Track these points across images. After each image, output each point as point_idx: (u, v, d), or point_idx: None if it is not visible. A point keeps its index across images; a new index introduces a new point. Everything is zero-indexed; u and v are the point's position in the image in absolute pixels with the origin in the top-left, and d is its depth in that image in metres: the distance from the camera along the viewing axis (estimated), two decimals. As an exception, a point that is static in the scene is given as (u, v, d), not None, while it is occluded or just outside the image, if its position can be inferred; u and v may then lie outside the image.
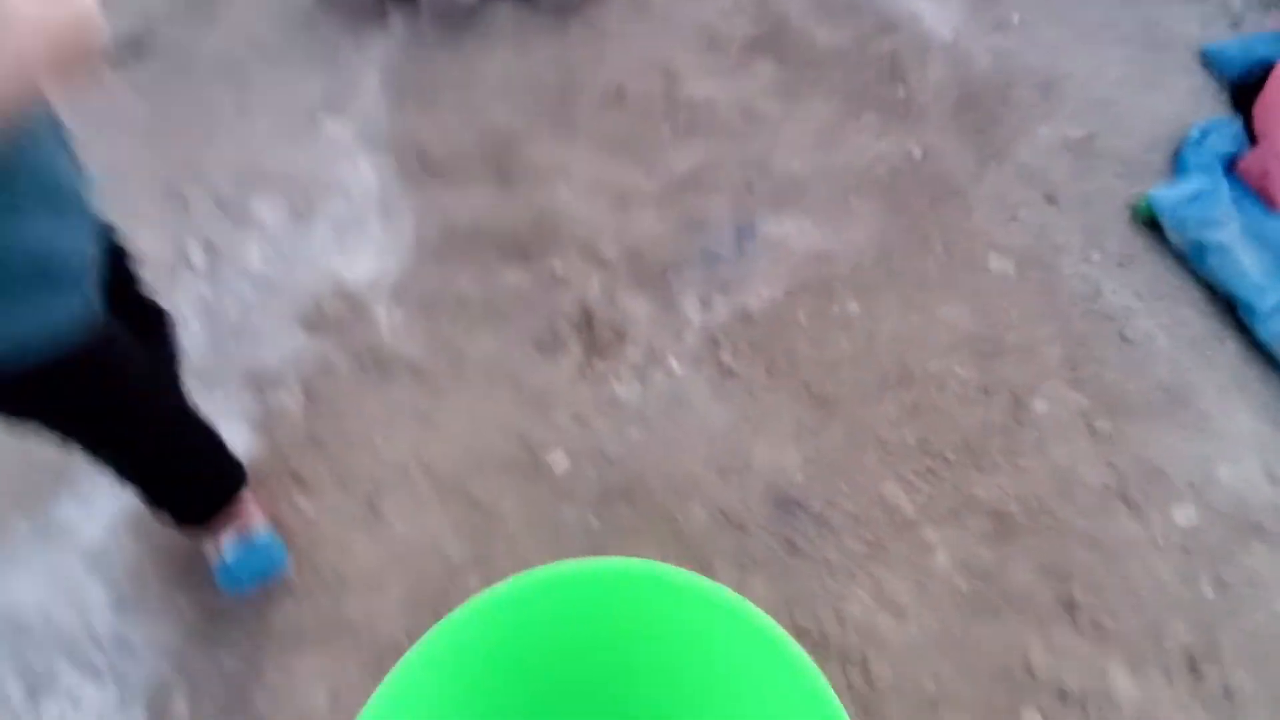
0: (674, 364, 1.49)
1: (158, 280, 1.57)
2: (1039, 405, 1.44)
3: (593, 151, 1.79)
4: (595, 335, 1.51)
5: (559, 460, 1.36)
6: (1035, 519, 1.32)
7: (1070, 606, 1.23)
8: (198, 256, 1.59)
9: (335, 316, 1.51)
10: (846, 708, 1.23)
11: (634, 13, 2.08)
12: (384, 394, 1.43)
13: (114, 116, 1.82)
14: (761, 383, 1.46)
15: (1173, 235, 1.65)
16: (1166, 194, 1.66)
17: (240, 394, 1.42)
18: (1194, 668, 1.17)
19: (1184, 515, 1.32)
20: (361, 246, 1.62)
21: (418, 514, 1.30)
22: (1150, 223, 1.69)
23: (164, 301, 1.18)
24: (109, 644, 1.18)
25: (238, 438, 1.36)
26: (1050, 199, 1.74)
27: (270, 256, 1.60)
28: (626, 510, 1.30)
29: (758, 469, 1.36)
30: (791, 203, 1.73)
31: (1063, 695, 1.15)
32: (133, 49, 1.94)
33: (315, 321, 1.51)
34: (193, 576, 1.21)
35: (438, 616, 1.29)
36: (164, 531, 1.26)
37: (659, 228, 1.67)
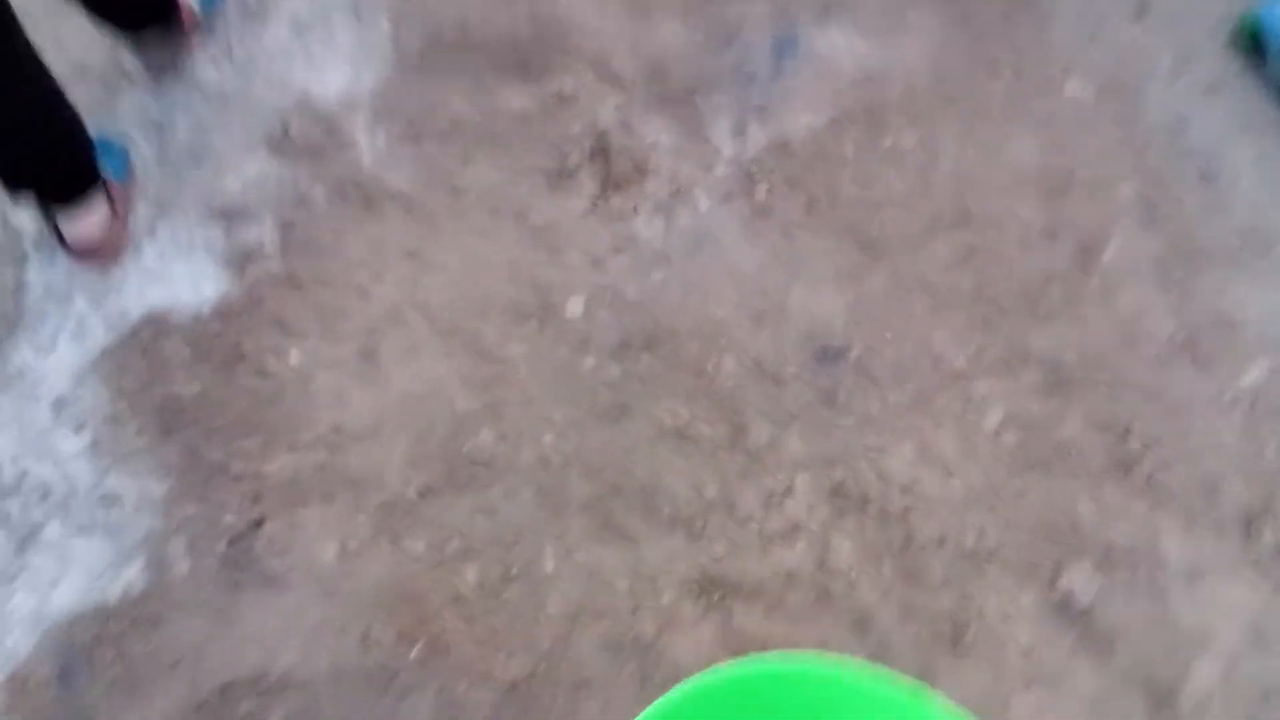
0: (702, 200, 1.31)
1: (93, 94, 1.34)
2: (1106, 250, 1.30)
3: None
4: (611, 166, 1.31)
5: (573, 304, 1.21)
6: (1093, 372, 1.22)
7: (1124, 463, 1.15)
8: (134, 64, 1.34)
9: (306, 139, 1.30)
10: (888, 565, 1.23)
11: None
12: (369, 229, 1.25)
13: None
14: (799, 222, 1.30)
15: (1276, 61, 1.42)
16: (1277, 11, 1.41)
17: (204, 228, 1.24)
18: (1249, 528, 1.11)
19: (1253, 372, 1.22)
20: (329, 55, 1.36)
21: (418, 361, 1.17)
22: (1250, 45, 1.45)
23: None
24: (93, 497, 1.09)
25: (207, 278, 1.20)
26: (1139, 13, 1.49)
27: (221, 63, 1.35)
28: (649, 360, 1.18)
29: (794, 316, 1.22)
30: (839, 9, 1.46)
31: (1110, 553, 1.10)
32: None
33: (283, 145, 1.29)
34: (175, 424, 1.10)
35: (449, 467, 1.22)
36: (137, 377, 1.13)
37: (684, 40, 1.42)
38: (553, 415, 1.14)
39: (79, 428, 1.10)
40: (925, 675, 1.04)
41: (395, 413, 1.13)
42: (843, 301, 1.24)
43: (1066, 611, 1.09)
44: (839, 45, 1.44)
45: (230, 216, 1.25)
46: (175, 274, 1.21)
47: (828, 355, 1.20)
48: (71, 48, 1.32)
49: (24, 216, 1.23)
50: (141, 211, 1.24)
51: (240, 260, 1.22)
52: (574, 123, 1.35)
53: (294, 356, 1.16)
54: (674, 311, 1.22)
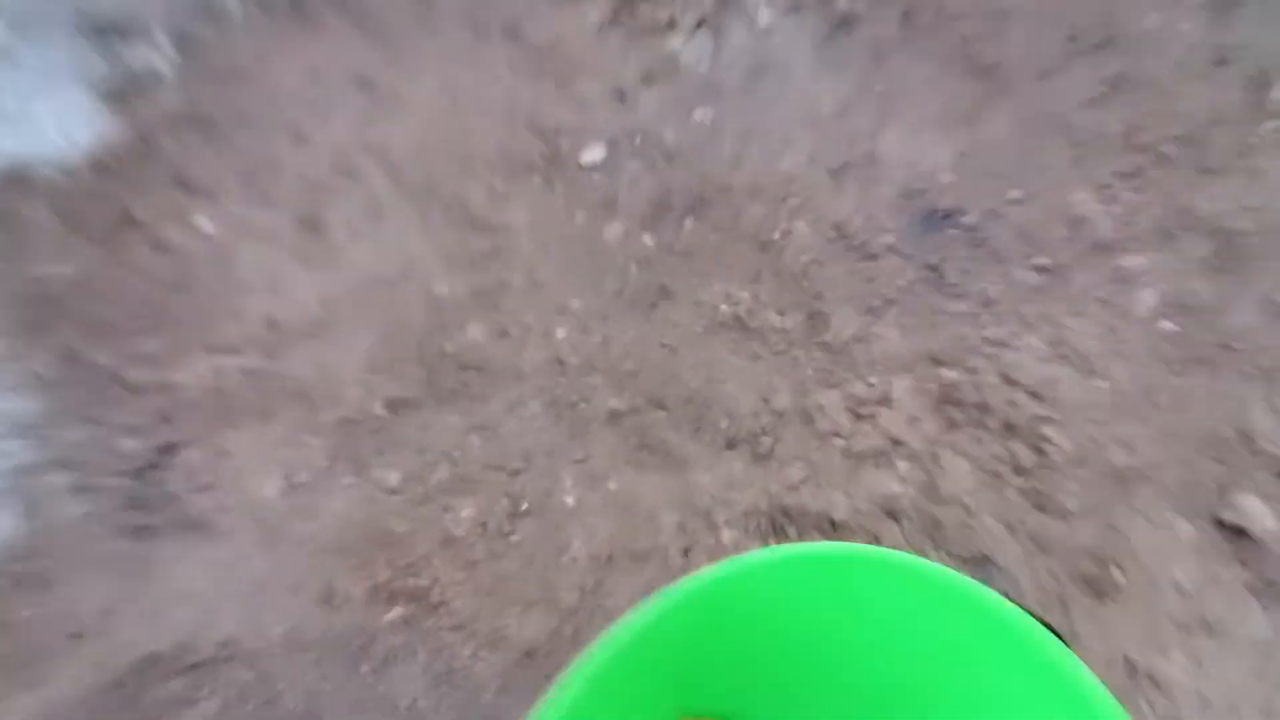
0: (761, 10, 0.96)
1: None
2: (1293, 81, 0.98)
3: None
4: (634, -36, 0.96)
5: (590, 152, 0.90)
6: (1274, 241, 0.93)
7: (1312, 357, 0.89)
8: None
9: (208, -80, 0.93)
10: (1013, 489, 0.96)
11: None
12: (306, 49, 0.90)
13: None
14: (893, 39, 0.96)
15: None
16: None
17: (76, 49, 0.89)
18: None
19: None
20: None
21: (379, 231, 0.86)
22: None
23: None
24: None
25: (80, 117, 0.86)
26: None
27: None
28: (695, 227, 0.88)
29: (888, 167, 0.91)
30: None
31: (1296, 470, 0.85)
32: None
33: (176, -72, 0.92)
34: (45, 319, 0.80)
35: (428, 373, 0.95)
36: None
37: None
38: (567, 302, 0.84)
39: (-92, 323, 0.80)
40: (1061, 623, 0.82)
41: (351, 301, 0.83)
42: (953, 148, 0.93)
43: (1235, 544, 0.85)
44: None
45: (110, 32, 0.90)
46: (38, 113, 0.87)
47: (933, 220, 0.90)
48: None
49: None
50: (-20, 25, 0.89)
51: (126, 92, 0.88)
52: (582, -98, 0.98)
53: (205, 224, 0.84)
54: (727, 163, 0.90)
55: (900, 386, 0.85)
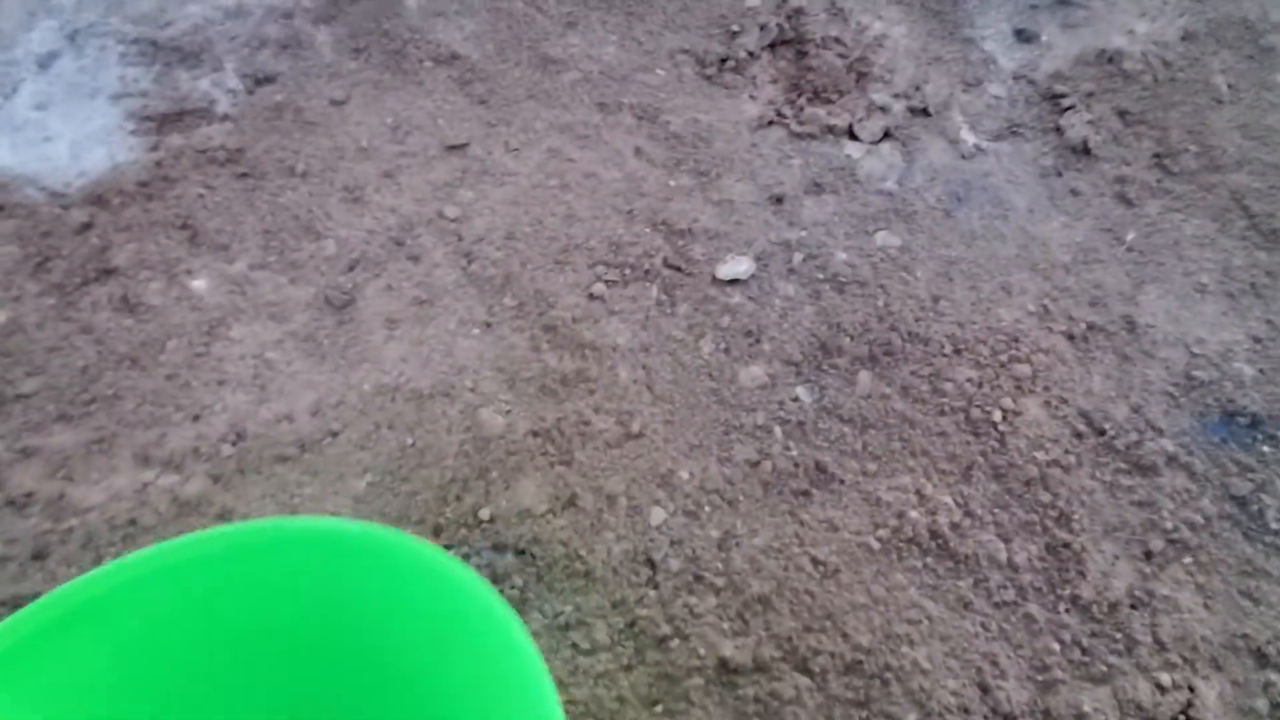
0: (965, 128, 0.75)
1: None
2: None
3: None
4: (809, 63, 0.78)
5: (733, 265, 0.65)
6: None
7: None
8: None
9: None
10: None
11: None
12: (394, 103, 0.72)
13: None
14: (1146, 184, 0.72)
15: None
16: None
17: (126, 67, 0.73)
18: None
19: None
20: None
21: (426, 327, 0.61)
22: None
23: None
24: None
25: (99, 140, 0.68)
26: None
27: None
28: (873, 385, 0.60)
29: (1155, 342, 0.64)
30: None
31: None
32: None
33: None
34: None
35: (444, 544, 0.63)
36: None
37: (929, -95, 0.91)
38: (674, 468, 0.56)
39: None
40: None
41: (360, 417, 0.57)
42: (1244, 330, 0.65)
43: None
44: (1182, -61, 0.90)
45: (174, 56, 0.75)
46: (53, 127, 0.70)
47: (1234, 427, 0.60)
48: None
49: None
50: (43, 31, 0.75)
51: (167, 122, 0.71)
52: (749, -7, 0.83)
53: (199, 286, 0.62)
54: (922, 304, 0.64)
55: (1207, 692, 0.51)
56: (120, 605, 0.39)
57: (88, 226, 0.63)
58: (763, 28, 0.80)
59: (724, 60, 0.78)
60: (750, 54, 0.79)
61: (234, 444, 0.54)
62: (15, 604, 0.49)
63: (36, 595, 0.49)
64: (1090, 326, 0.64)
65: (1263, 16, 0.84)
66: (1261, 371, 0.62)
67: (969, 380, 0.60)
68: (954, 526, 0.54)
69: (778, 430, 0.58)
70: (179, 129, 0.71)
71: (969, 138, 0.74)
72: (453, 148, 0.71)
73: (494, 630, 0.36)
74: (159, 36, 0.76)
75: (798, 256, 0.66)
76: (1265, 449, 0.59)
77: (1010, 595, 0.52)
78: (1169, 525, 0.55)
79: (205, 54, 0.75)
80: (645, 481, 0.55)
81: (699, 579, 0.52)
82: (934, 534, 0.54)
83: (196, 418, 0.55)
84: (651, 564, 0.52)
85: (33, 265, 0.61)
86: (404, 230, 0.66)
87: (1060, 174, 0.73)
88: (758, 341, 0.62)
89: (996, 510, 0.55)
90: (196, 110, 0.72)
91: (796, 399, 0.59)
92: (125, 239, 0.63)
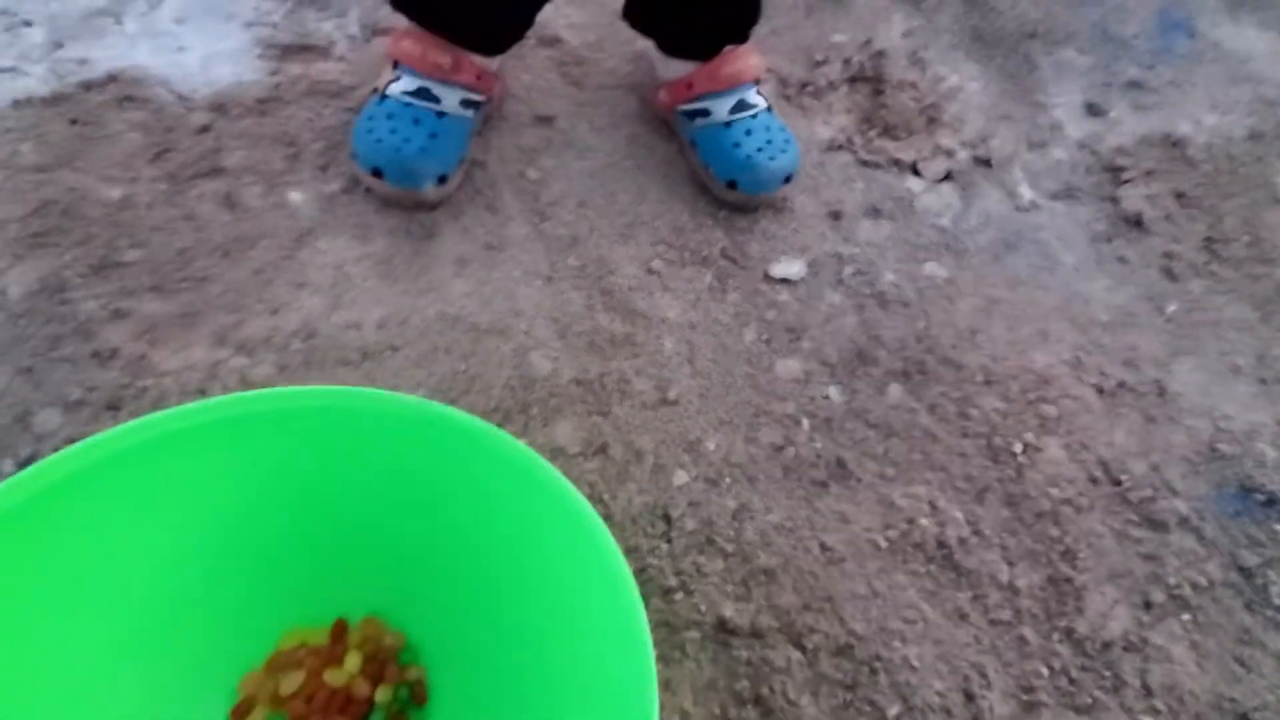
0: (1024, 184, 0.79)
1: None
2: None
3: None
4: (884, 101, 0.82)
5: (787, 266, 0.68)
6: None
7: None
8: None
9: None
10: None
11: None
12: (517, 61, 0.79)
13: None
14: (1195, 264, 0.75)
15: None
16: None
17: (263, 2, 0.81)
18: None
19: None
20: None
21: (494, 268, 0.65)
22: None
23: None
24: None
25: (227, 59, 0.74)
26: None
27: None
28: (902, 398, 0.63)
29: (1183, 410, 0.65)
30: (1257, 10, 0.97)
31: None
32: None
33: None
34: (52, 235, 0.61)
35: None
36: (44, 151, 0.65)
37: (1022, -22, 0.96)
38: (702, 437, 0.59)
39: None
40: None
41: (419, 338, 0.61)
42: (1272, 415, 0.66)
43: None
44: (1258, 48, 0.93)
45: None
46: (188, 40, 0.76)
47: (1250, 503, 0.61)
48: None
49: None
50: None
51: (289, 52, 0.77)
52: (839, 29, 0.87)
53: (296, 197, 0.67)
54: (960, 334, 0.67)
55: (1191, 746, 0.51)
56: (175, 451, 0.39)
57: (205, 129, 0.69)
58: (845, 62, 0.85)
59: (804, 85, 0.83)
60: (830, 84, 0.83)
61: (304, 340, 0.58)
62: (83, 443, 0.53)
63: (104, 439, 0.53)
64: (1121, 384, 0.66)
65: (1330, 132, 0.87)
66: (1282, 455, 0.64)
67: (995, 410, 0.63)
68: (961, 541, 0.56)
69: (805, 422, 0.60)
70: (299, 60, 0.77)
71: (1026, 193, 0.78)
72: (542, 118, 0.76)
73: (577, 528, 0.37)
74: (297, -21, 0.83)
75: (848, 269, 0.69)
76: (1278, 528, 0.60)
77: (1007, 615, 0.54)
78: (1172, 581, 0.56)
79: (334, 2, 0.82)
80: (673, 445, 0.58)
81: (710, 542, 0.54)
82: (941, 544, 0.56)
83: (274, 311, 0.60)
84: (668, 520, 0.54)
85: (152, 153, 0.67)
86: (487, 185, 0.71)
87: (1110, 240, 0.75)
88: (798, 339, 0.65)
89: (1005, 534, 0.57)
90: (317, 48, 0.78)
91: (827, 397, 0.62)
92: (237, 145, 0.68)
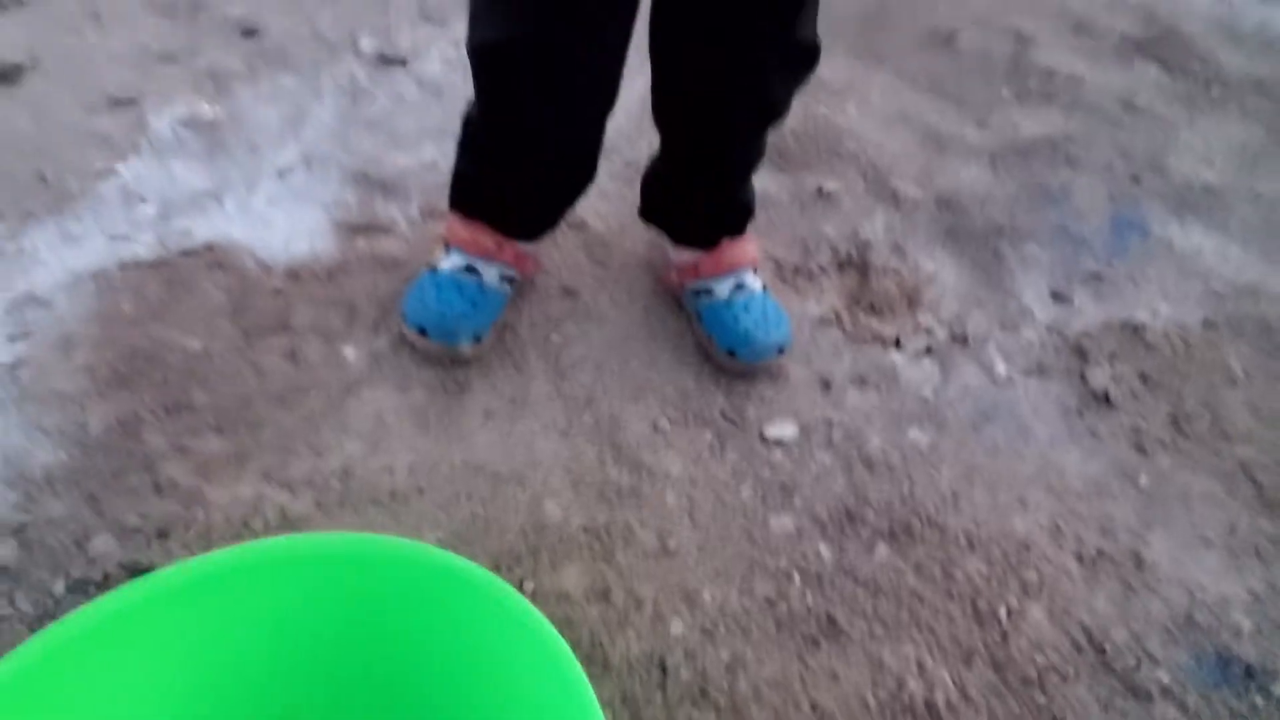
0: (998, 360, 0.87)
1: (317, 54, 1.21)
2: None
3: (900, 84, 1.28)
4: (869, 283, 0.93)
5: (780, 427, 0.75)
6: None
7: None
8: (367, 44, 1.21)
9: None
10: None
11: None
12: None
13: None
14: (1162, 438, 0.80)
15: None
16: None
17: (338, 187, 0.96)
18: None
19: None
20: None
21: (518, 421, 0.73)
22: None
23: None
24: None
25: (305, 236, 0.88)
26: None
27: (453, 69, 1.19)
28: (889, 558, 0.66)
29: (1160, 580, 0.68)
30: (1202, 213, 1.10)
31: None
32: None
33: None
34: (136, 377, 0.70)
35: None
36: (142, 306, 0.77)
37: (989, 184, 1.10)
38: (700, 589, 0.62)
39: (17, 336, 0.73)
40: None
41: (446, 484, 0.67)
42: (1244, 586, 0.68)
43: None
44: (1204, 245, 1.05)
45: (375, 185, 0.97)
46: (275, 219, 0.90)
47: (1231, 672, 0.62)
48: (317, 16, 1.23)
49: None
50: (288, 151, 0.99)
51: (357, 230, 0.91)
52: (829, 223, 1.01)
53: (350, 354, 0.76)
54: (942, 497, 0.72)
55: None
56: (192, 601, 0.42)
57: (279, 292, 0.80)
58: (834, 250, 0.97)
59: (798, 268, 0.94)
60: (821, 268, 0.95)
61: (341, 480, 0.65)
62: (133, 570, 0.58)
63: (151, 566, 0.58)
64: (1099, 552, 0.70)
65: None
66: (1259, 628, 0.65)
67: (979, 573, 0.66)
68: (949, 705, 0.57)
69: (797, 577, 0.64)
70: (366, 237, 0.90)
71: (1001, 368, 0.86)
72: (568, 290, 0.87)
73: (555, 674, 0.38)
74: (370, 170, 0.99)
75: (837, 433, 0.76)
76: (1258, 700, 0.60)
77: (997, 786, 0.54)
78: (1163, 758, 0.57)
79: (399, 188, 0.97)
80: (672, 594, 0.61)
81: (704, 694, 0.56)
82: (929, 706, 0.57)
83: (318, 453, 0.67)
84: (664, 669, 0.57)
85: (231, 311, 0.78)
86: (516, 346, 0.80)
87: (1081, 415, 0.82)
88: (791, 496, 0.70)
89: (992, 699, 0.58)
90: (381, 226, 0.92)
91: (818, 553, 0.66)
92: (304, 307, 0.79)
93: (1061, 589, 0.66)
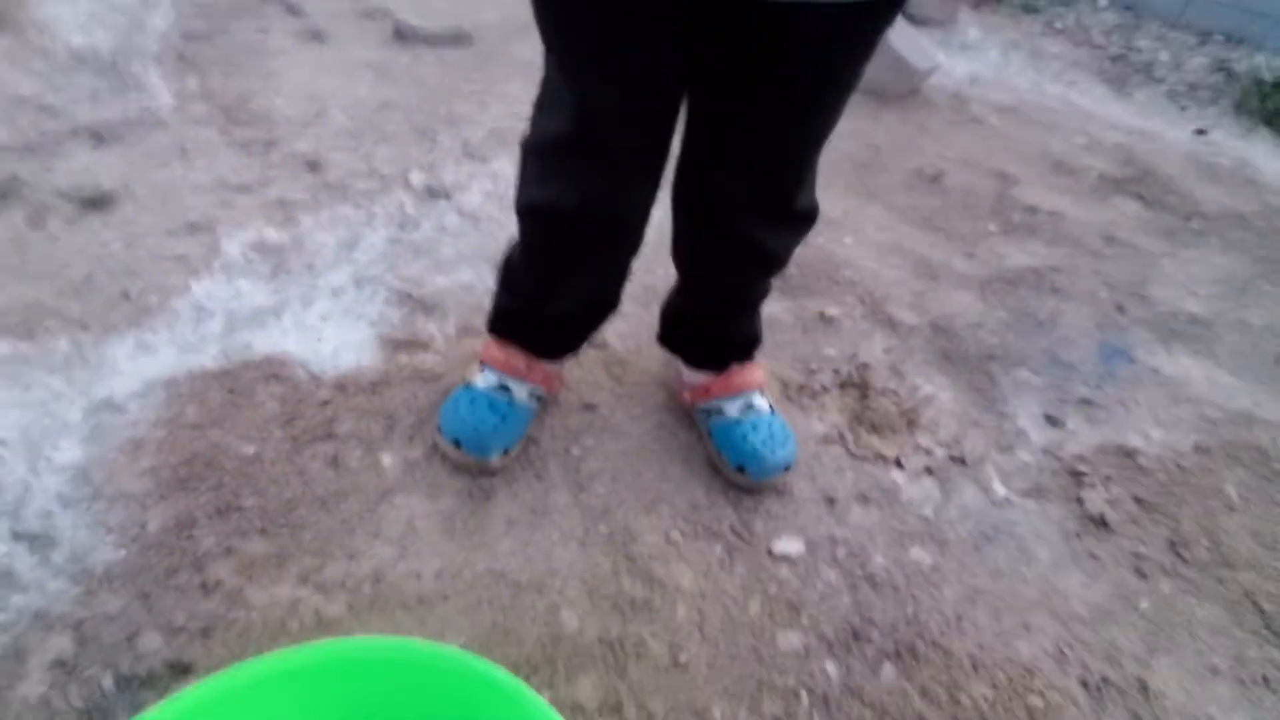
0: (996, 481, 0.90)
1: (371, 186, 1.35)
2: None
3: (893, 219, 1.40)
4: (869, 404, 0.99)
5: (787, 544, 0.79)
6: None
7: None
8: (416, 178, 1.36)
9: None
10: None
11: (963, 122, 1.79)
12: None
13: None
14: (1162, 563, 0.82)
15: None
16: None
17: (385, 305, 1.05)
18: None
19: None
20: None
21: (537, 531, 0.77)
22: None
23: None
24: (33, 519, 0.73)
25: (352, 349, 0.97)
26: None
27: (491, 200, 1.33)
28: (895, 678, 0.68)
29: (1169, 712, 0.68)
30: (1189, 342, 1.16)
31: None
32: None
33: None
34: (191, 480, 0.76)
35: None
36: (203, 413, 0.84)
37: (980, 311, 1.18)
38: (709, 705, 0.64)
39: (92, 439, 0.81)
40: None
41: (468, 590, 0.71)
42: (1256, 718, 0.69)
43: None
44: (1192, 372, 1.10)
45: (418, 305, 1.07)
46: (326, 334, 1.00)
47: (1249, 818, 0.61)
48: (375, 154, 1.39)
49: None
50: (341, 272, 1.10)
51: (400, 346, 0.99)
52: (830, 345, 1.08)
53: (388, 460, 0.82)
54: (946, 619, 0.74)
55: None
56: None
57: (327, 403, 0.88)
58: (836, 371, 1.04)
59: (802, 388, 1.01)
60: (823, 388, 1.01)
61: (373, 585, 0.69)
62: (176, 667, 0.61)
63: (193, 664, 0.62)
64: (1105, 680, 0.70)
65: (1275, 445, 0.99)
66: (1277, 768, 0.65)
67: (984, 698, 0.67)
68: (957, 837, 0.57)
69: (804, 696, 0.66)
70: (407, 352, 0.98)
71: (999, 489, 0.89)
72: (588, 405, 0.94)
73: None
74: (414, 291, 1.09)
75: (841, 550, 0.79)
76: None
77: None
78: None
79: (439, 308, 1.06)
80: (682, 709, 0.63)
81: (711, 814, 0.57)
82: (936, 837, 0.57)
83: (352, 557, 0.71)
84: (672, 786, 0.58)
85: (283, 419, 0.85)
86: (538, 458, 0.86)
87: (1080, 538, 0.84)
88: (798, 613, 0.72)
89: (999, 832, 0.58)
90: (421, 342, 1.01)
91: (825, 672, 0.68)
92: (348, 417, 0.86)
93: (1068, 716, 0.66)
